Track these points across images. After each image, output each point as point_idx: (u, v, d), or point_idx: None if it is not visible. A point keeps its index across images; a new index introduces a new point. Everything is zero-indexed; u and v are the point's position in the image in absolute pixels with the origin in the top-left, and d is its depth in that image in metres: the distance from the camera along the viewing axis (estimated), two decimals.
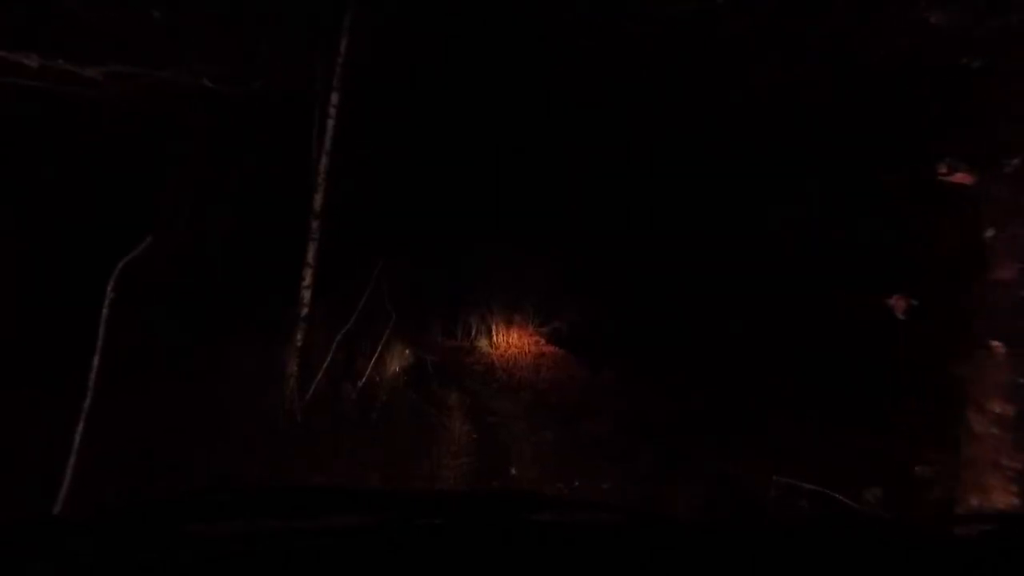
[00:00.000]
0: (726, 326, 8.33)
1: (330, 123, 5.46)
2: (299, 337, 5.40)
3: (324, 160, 5.46)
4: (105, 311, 3.06)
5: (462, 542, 1.16)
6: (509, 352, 11.39)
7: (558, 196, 10.85)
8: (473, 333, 12.14)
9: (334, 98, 5.44)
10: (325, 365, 5.69)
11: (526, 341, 11.33)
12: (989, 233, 2.79)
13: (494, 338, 11.73)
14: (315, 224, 5.48)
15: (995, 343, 2.72)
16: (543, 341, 11.29)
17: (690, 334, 8.85)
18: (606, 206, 10.48)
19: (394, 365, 6.62)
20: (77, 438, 2.96)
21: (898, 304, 3.78)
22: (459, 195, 10.58)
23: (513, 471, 5.45)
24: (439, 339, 12.09)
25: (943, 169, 2.95)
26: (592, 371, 10.31)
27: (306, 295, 5.48)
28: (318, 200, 5.48)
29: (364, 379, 6.29)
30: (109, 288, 3.08)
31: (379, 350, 6.37)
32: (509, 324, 11.72)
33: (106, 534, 1.12)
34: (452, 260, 10.96)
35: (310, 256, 5.49)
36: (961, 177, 2.89)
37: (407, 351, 6.77)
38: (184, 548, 1.06)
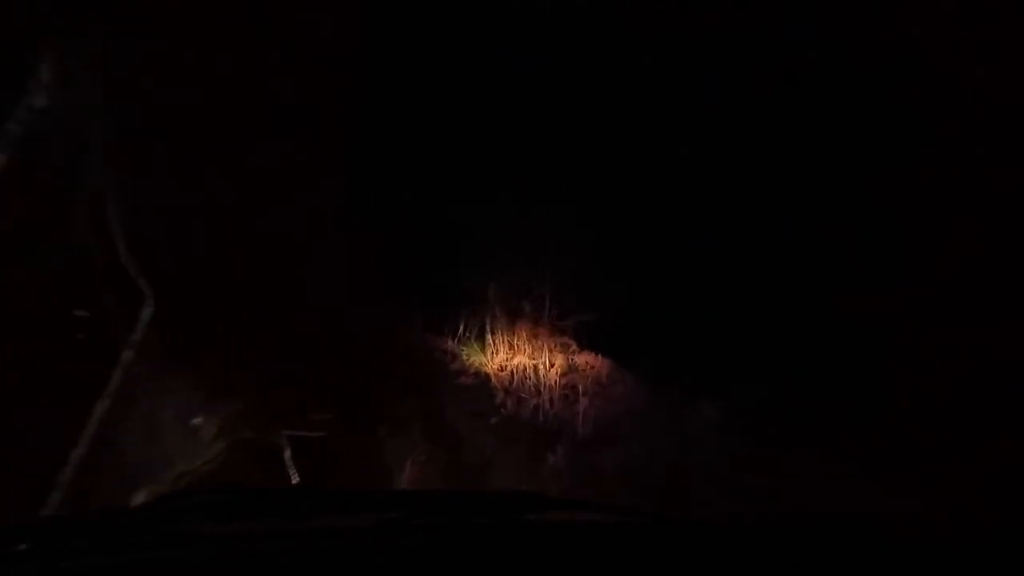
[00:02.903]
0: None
1: None
2: None
3: None
4: None
5: (462, 542, 1.15)
6: (515, 361, 6.92)
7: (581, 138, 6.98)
8: (461, 330, 7.41)
9: None
10: None
11: (544, 343, 6.82)
12: None
13: (489, 338, 7.13)
14: None
15: None
16: (573, 345, 6.78)
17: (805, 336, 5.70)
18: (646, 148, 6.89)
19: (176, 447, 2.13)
20: None
21: None
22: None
23: None
24: (424, 336, 7.38)
25: None
26: (660, 396, 6.11)
27: None
28: None
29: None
30: None
31: (105, 408, 1.89)
32: (515, 317, 7.16)
33: (106, 534, 1.10)
34: (419, 203, 6.31)
35: None
36: None
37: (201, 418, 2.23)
38: (186, 548, 1.04)
